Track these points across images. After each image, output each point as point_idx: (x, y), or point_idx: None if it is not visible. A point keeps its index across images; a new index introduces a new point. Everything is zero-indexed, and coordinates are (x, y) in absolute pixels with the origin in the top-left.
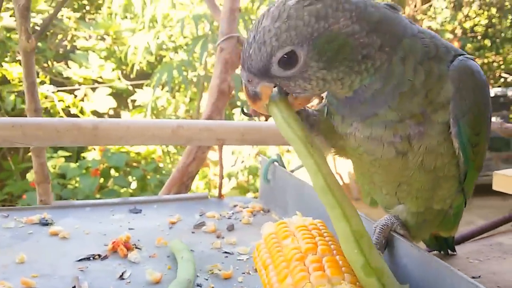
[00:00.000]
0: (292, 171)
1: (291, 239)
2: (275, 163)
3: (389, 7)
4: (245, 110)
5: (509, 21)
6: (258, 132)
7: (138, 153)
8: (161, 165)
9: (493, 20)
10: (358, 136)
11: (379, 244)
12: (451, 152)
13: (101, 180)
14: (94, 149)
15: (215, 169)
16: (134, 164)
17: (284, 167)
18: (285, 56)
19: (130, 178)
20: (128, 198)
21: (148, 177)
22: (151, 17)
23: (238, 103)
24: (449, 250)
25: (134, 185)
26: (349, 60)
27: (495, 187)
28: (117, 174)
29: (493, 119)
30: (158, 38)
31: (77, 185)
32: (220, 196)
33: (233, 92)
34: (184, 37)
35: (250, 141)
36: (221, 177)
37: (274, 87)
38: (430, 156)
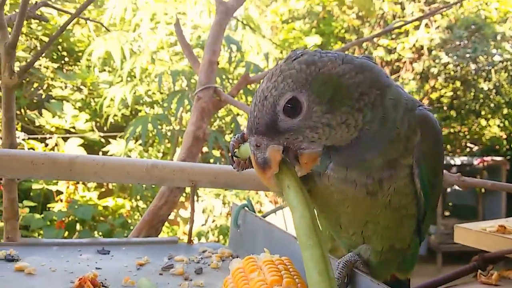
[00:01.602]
0: (265, 215)
1: (257, 272)
2: (246, 208)
3: (366, 57)
4: (233, 160)
5: (472, 94)
6: (230, 175)
7: (105, 207)
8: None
9: (458, 92)
10: (332, 177)
11: (341, 279)
12: (413, 192)
13: (66, 233)
14: (61, 201)
15: (184, 227)
16: (101, 218)
17: (254, 212)
18: (289, 105)
19: (96, 233)
20: (97, 238)
21: (115, 232)
22: (129, 71)
23: (211, 160)
24: None
25: (97, 237)
26: (348, 98)
27: (456, 239)
28: (82, 228)
29: (451, 174)
30: (135, 92)
31: (40, 237)
32: (190, 241)
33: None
34: (161, 93)
35: (222, 184)
36: (192, 221)
37: (283, 152)
38: (397, 196)
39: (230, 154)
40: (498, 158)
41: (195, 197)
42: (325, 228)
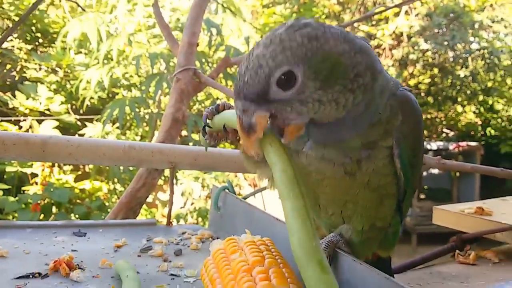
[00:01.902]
0: (245, 198)
1: (239, 253)
2: (226, 190)
3: (363, 39)
4: (206, 131)
5: (449, 81)
6: (210, 157)
7: (82, 190)
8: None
9: (436, 79)
10: (310, 155)
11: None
12: (393, 172)
13: (41, 216)
14: (36, 183)
15: (163, 210)
16: (78, 201)
17: (235, 194)
18: (284, 76)
19: (72, 215)
20: (72, 221)
21: (92, 215)
22: (106, 53)
23: (190, 144)
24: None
25: (73, 219)
26: (343, 78)
27: (434, 221)
28: (58, 211)
29: (431, 157)
30: (112, 75)
31: (15, 220)
32: (169, 223)
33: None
34: (139, 76)
35: (202, 166)
36: (171, 203)
37: (269, 117)
38: (376, 176)
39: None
40: (473, 143)
41: (174, 180)
42: None
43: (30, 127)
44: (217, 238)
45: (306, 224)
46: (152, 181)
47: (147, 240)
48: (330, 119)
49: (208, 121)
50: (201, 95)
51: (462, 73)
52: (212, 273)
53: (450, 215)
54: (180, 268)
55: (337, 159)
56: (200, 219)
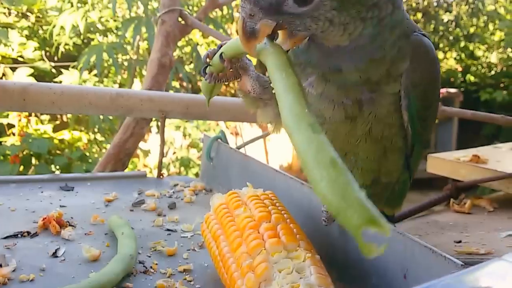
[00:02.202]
0: (238, 147)
1: (243, 208)
2: (219, 140)
3: None
4: (207, 71)
5: (432, 26)
6: (203, 106)
7: (61, 140)
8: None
9: (419, 25)
10: (310, 93)
11: (329, 216)
12: (400, 123)
13: (21, 168)
14: (14, 134)
15: (145, 159)
16: (58, 151)
17: (228, 144)
18: None
19: (53, 166)
20: (59, 174)
21: (73, 166)
22: None
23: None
24: None
25: (58, 173)
26: (361, 4)
27: (429, 169)
28: (38, 162)
29: None
30: (87, 19)
31: None
32: (160, 175)
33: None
34: (115, 20)
35: (194, 115)
36: (162, 154)
37: (274, 28)
38: (379, 125)
39: (203, 67)
40: (453, 90)
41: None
42: None
43: (4, 75)
44: (211, 190)
45: (299, 96)
46: (140, 131)
47: (139, 194)
48: (330, 44)
49: (208, 60)
50: (181, 41)
51: (445, 17)
52: (215, 230)
53: (446, 163)
54: (176, 223)
55: (337, 98)
56: (182, 168)
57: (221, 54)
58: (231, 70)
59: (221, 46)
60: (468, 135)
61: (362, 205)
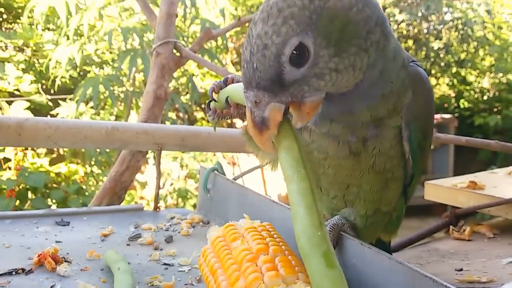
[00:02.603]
0: (235, 178)
1: (240, 241)
2: (215, 171)
3: None
4: (211, 107)
5: (423, 53)
6: (199, 137)
7: (58, 174)
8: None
9: (410, 52)
10: (313, 132)
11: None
12: (400, 154)
13: (17, 202)
14: (10, 168)
15: (142, 191)
16: (54, 185)
17: (225, 175)
18: (295, 51)
19: (49, 200)
20: (54, 209)
21: (70, 199)
22: (76, 28)
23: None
24: None
25: (54, 208)
26: (356, 37)
27: (426, 196)
28: (35, 196)
29: None
30: (83, 52)
31: None
32: (156, 208)
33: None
34: (111, 53)
35: (190, 146)
36: (158, 187)
37: (284, 111)
38: (382, 158)
39: (207, 102)
40: (447, 116)
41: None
42: None
43: (0, 108)
44: (208, 223)
45: (312, 210)
46: (136, 163)
47: (135, 227)
48: (345, 89)
49: (214, 95)
50: (176, 72)
51: (436, 44)
52: (212, 263)
53: (443, 190)
54: (173, 257)
55: (342, 136)
56: (180, 199)
57: (227, 98)
58: None
59: (227, 80)
60: (465, 160)
61: None
